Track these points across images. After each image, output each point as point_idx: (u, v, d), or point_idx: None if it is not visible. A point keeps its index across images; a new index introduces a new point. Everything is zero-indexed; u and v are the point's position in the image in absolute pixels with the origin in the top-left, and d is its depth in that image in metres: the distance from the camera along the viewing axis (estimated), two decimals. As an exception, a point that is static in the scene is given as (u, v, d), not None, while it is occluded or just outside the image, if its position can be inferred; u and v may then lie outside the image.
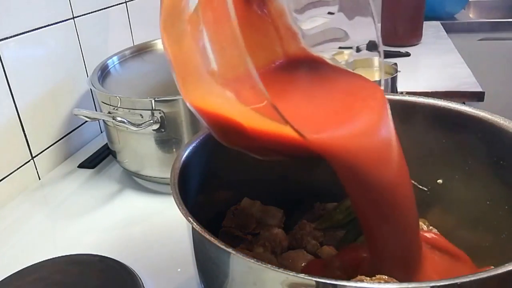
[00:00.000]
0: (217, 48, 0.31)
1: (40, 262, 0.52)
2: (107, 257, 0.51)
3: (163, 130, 0.64)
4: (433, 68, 1.09)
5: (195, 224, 0.32)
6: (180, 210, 0.34)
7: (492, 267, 0.27)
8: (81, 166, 0.78)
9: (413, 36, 1.26)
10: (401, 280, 0.34)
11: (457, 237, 0.45)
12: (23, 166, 0.72)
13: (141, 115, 0.63)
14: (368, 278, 0.36)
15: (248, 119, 0.32)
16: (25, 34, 0.71)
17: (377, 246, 0.40)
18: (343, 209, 0.49)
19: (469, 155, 0.45)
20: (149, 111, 0.62)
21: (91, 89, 0.80)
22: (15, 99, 0.69)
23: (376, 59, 0.84)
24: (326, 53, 0.42)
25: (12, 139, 0.70)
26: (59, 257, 0.53)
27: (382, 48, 0.40)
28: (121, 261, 0.51)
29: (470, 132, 0.45)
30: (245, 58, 0.28)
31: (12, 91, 0.69)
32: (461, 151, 0.46)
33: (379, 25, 1.28)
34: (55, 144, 0.78)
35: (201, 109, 0.34)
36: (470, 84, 0.98)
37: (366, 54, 0.42)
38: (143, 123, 0.62)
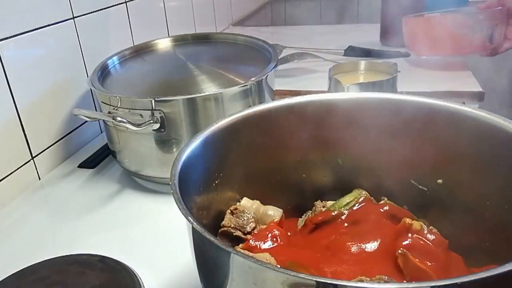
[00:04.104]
0: None
1: (40, 262, 0.52)
2: (107, 257, 0.51)
3: (163, 130, 0.64)
4: (433, 68, 1.09)
5: (195, 224, 0.32)
6: (180, 210, 0.34)
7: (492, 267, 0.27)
8: (81, 166, 0.78)
9: (413, 36, 1.26)
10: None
11: (457, 237, 0.45)
12: (23, 166, 0.72)
13: (141, 115, 0.63)
14: (368, 278, 0.36)
15: None
16: (25, 34, 0.71)
17: None
18: (340, 205, 0.49)
19: (469, 155, 0.45)
20: (149, 111, 0.62)
21: (91, 89, 0.80)
22: (15, 99, 0.69)
23: (363, 63, 0.85)
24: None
25: (12, 139, 0.70)
26: (59, 257, 0.53)
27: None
28: (121, 261, 0.51)
29: (470, 132, 0.45)
30: None
31: (12, 91, 0.69)
32: (461, 151, 0.46)
33: (378, 25, 1.28)
34: (55, 144, 0.78)
35: None
36: (470, 84, 0.98)
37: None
38: (143, 123, 0.62)
